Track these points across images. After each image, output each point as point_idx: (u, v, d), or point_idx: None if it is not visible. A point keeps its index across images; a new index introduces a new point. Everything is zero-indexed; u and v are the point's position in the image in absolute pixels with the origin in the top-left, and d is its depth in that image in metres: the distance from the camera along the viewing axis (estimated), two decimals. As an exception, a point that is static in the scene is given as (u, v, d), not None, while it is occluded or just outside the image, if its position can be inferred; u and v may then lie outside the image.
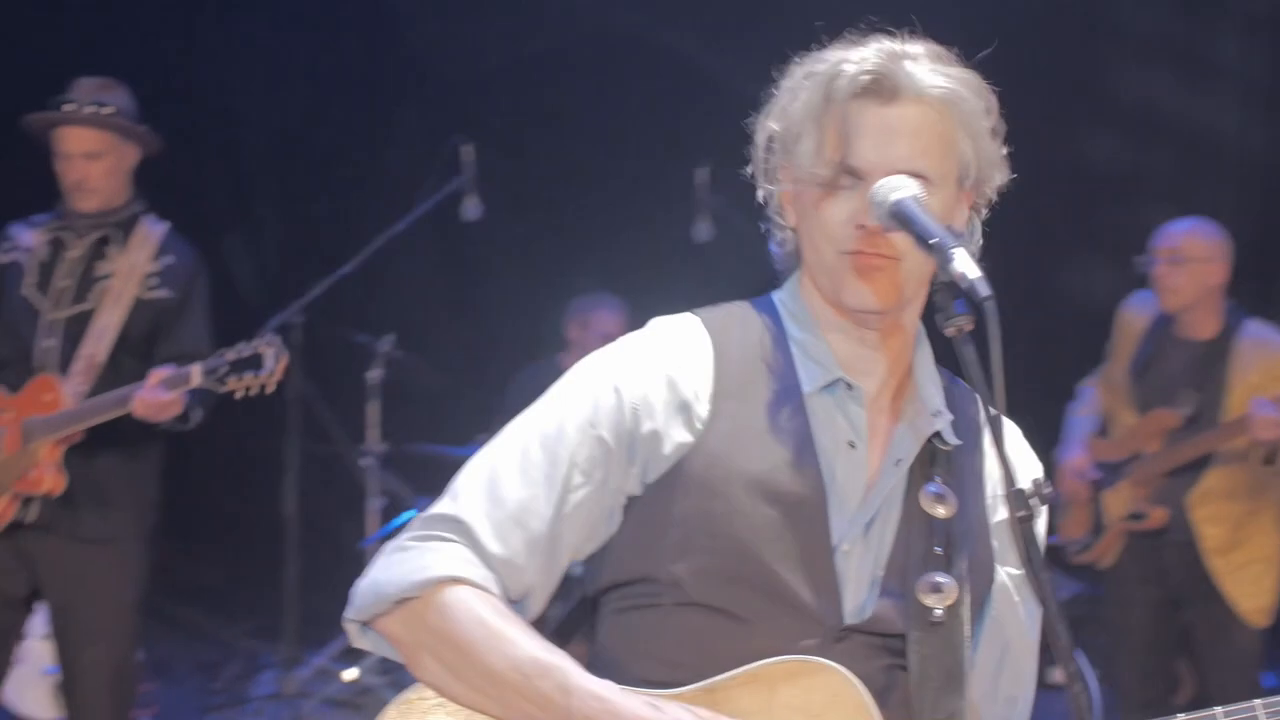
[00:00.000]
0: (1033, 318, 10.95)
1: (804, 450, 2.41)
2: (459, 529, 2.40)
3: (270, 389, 4.92)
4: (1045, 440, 6.06)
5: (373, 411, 7.82)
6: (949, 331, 2.16)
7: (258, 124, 10.13)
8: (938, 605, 2.40)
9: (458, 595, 2.34)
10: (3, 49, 9.19)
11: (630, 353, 2.51)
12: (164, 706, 7.73)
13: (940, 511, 2.44)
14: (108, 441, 5.12)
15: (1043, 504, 2.20)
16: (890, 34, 2.43)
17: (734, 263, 8.30)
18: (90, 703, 5.16)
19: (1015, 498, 2.16)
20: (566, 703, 2.26)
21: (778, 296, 2.57)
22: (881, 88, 2.34)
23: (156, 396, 4.87)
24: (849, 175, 2.35)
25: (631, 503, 2.45)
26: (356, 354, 7.83)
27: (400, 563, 2.40)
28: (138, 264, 5.24)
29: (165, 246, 5.33)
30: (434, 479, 7.71)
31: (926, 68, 2.37)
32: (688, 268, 8.81)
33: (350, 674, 7.88)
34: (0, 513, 5.08)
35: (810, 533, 2.38)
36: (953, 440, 2.48)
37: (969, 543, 2.46)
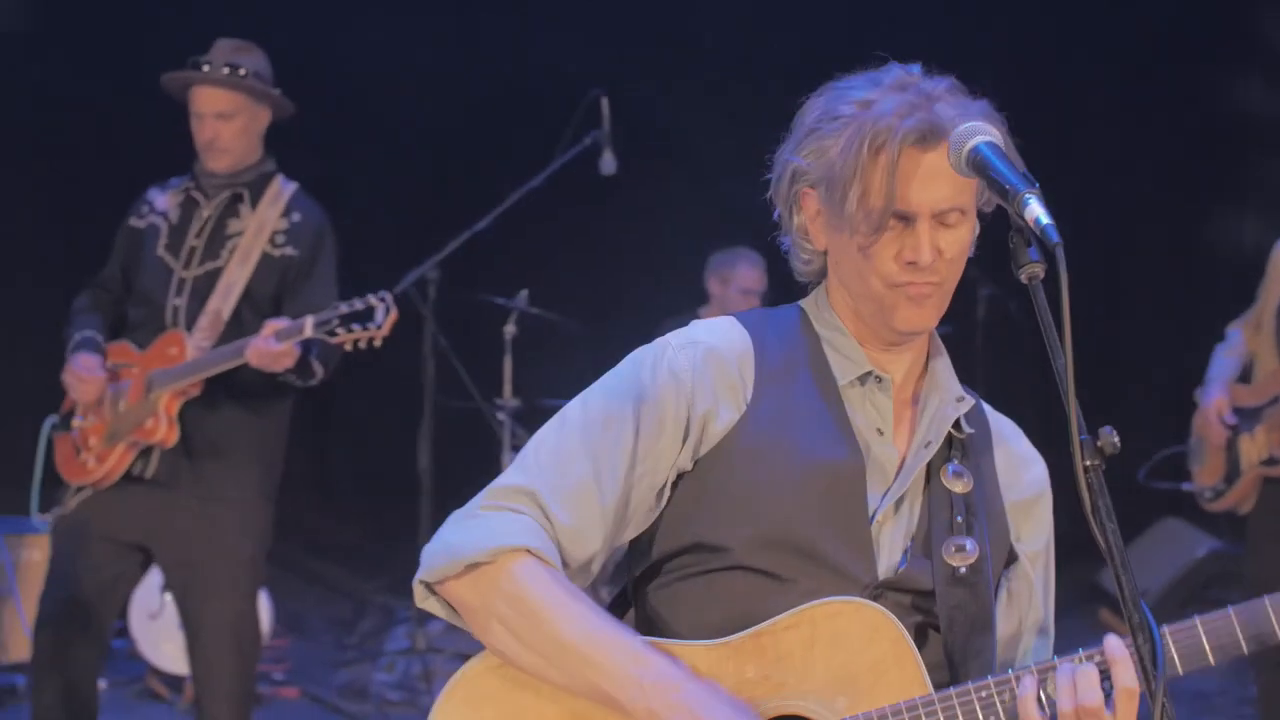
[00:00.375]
0: (1181, 264, 10.82)
1: (842, 432, 2.63)
2: (530, 500, 2.56)
3: (378, 343, 4.94)
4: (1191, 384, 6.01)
5: (507, 367, 7.88)
6: (1022, 278, 2.22)
7: (393, 82, 10.20)
8: (962, 564, 2.61)
9: (529, 564, 2.48)
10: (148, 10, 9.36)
11: (681, 340, 2.69)
12: (297, 662, 7.85)
13: (959, 488, 2.67)
14: (231, 397, 5.18)
15: (1110, 454, 2.21)
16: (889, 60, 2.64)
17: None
18: (213, 657, 5.18)
19: (1085, 446, 2.20)
20: (639, 676, 2.40)
21: (805, 304, 2.78)
22: (924, 137, 2.50)
23: (270, 346, 4.91)
24: (896, 218, 2.53)
25: (681, 478, 2.63)
26: (491, 310, 7.87)
27: (472, 529, 2.53)
28: (266, 222, 5.29)
29: (293, 205, 5.37)
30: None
31: (952, 108, 2.53)
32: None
33: (481, 629, 7.93)
34: (117, 460, 5.13)
35: (849, 505, 2.59)
36: (967, 429, 2.73)
37: (986, 516, 2.70)
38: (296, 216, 5.36)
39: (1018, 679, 2.46)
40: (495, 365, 7.87)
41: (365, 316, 4.88)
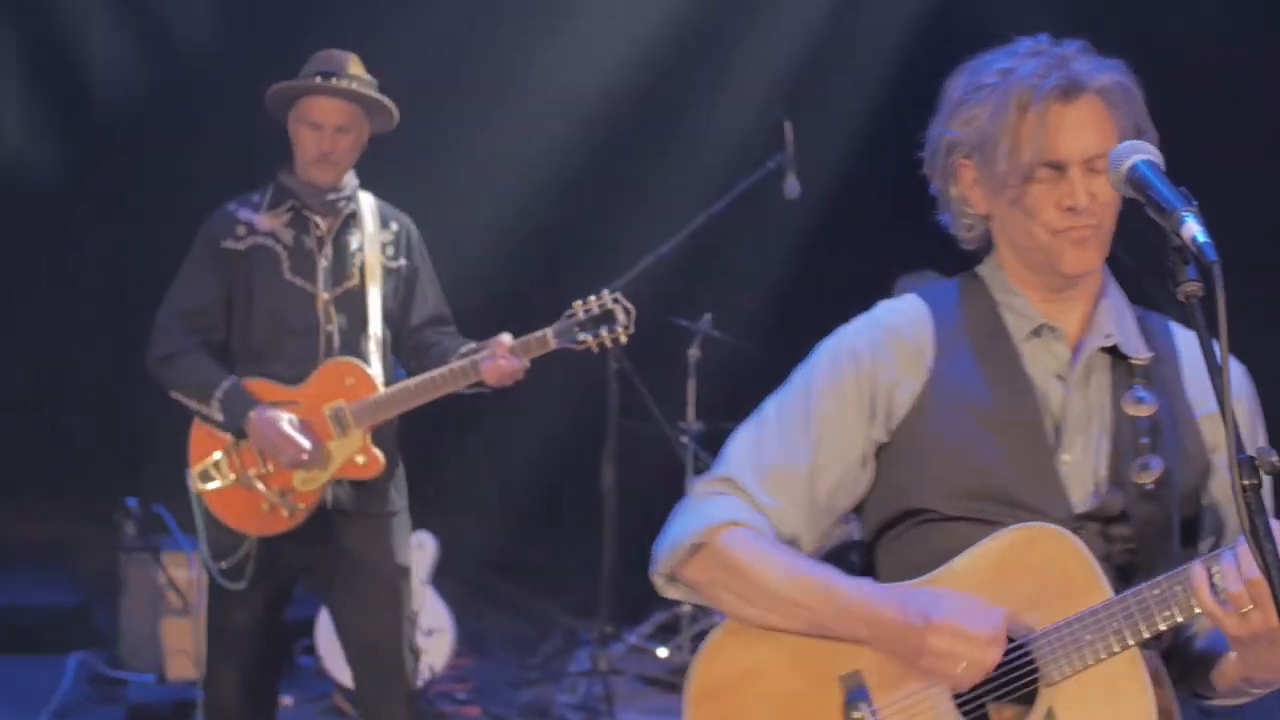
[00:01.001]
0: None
1: (1021, 383, 2.86)
2: (731, 485, 2.92)
3: (624, 341, 5.07)
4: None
5: (691, 390, 7.97)
6: (1180, 296, 2.32)
7: (580, 102, 10.31)
8: (1148, 480, 2.79)
9: (736, 533, 2.84)
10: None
11: (862, 324, 2.99)
12: (479, 681, 7.93)
13: (1143, 411, 2.83)
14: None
15: (1269, 474, 2.29)
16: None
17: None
18: (390, 671, 5.26)
19: (1243, 465, 2.28)
20: (833, 599, 2.76)
21: (980, 270, 3.00)
22: (1066, 91, 2.75)
23: (512, 364, 4.98)
24: (1047, 168, 2.75)
25: (882, 449, 2.91)
26: (675, 333, 7.95)
27: (687, 519, 2.92)
28: (373, 235, 5.29)
29: (386, 215, 5.36)
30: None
31: (1087, 64, 2.80)
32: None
33: (664, 652, 8.01)
34: (315, 500, 5.14)
35: (1036, 451, 2.82)
36: (1144, 353, 2.88)
37: (1174, 434, 2.86)
38: (394, 226, 5.34)
39: (1189, 571, 2.60)
40: (679, 388, 7.96)
41: (605, 319, 5.00)
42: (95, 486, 10.17)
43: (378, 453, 5.08)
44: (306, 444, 5.01)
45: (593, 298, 5.01)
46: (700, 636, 7.98)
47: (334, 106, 5.16)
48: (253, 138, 9.40)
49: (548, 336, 4.97)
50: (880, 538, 2.94)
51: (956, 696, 2.72)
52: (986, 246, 2.98)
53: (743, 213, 7.77)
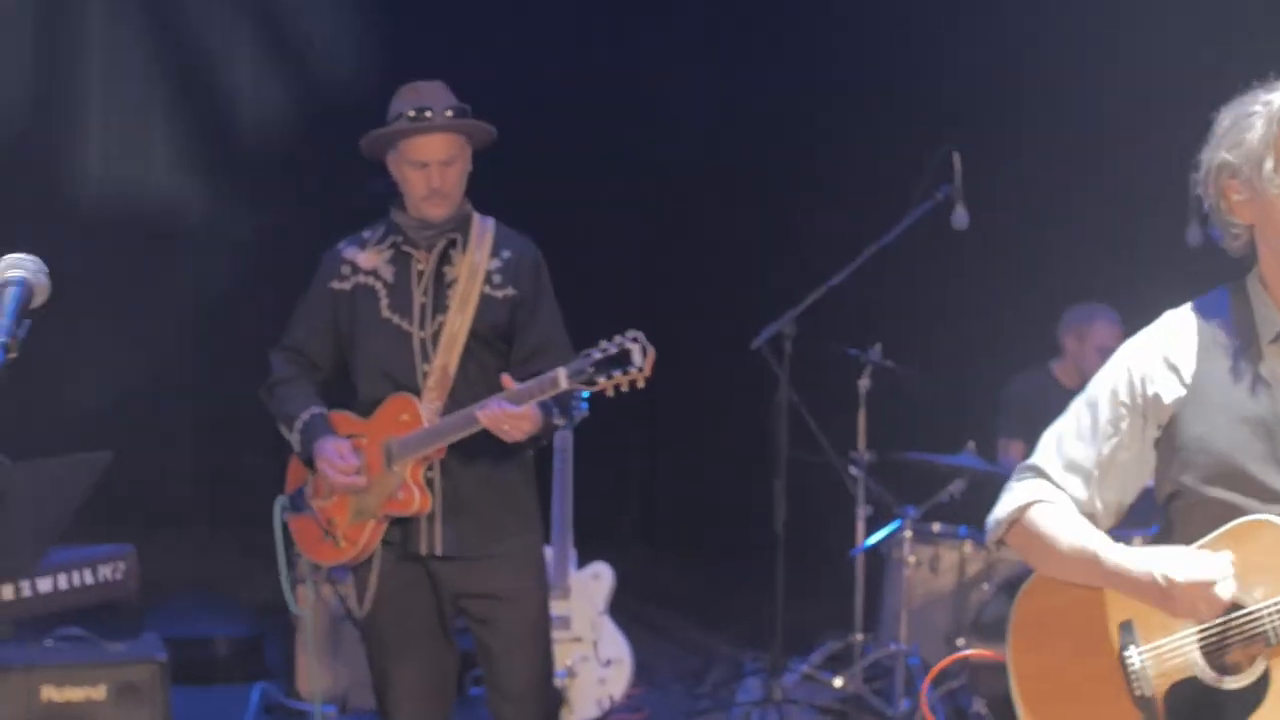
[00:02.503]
0: None
1: (1259, 384, 3.47)
2: (1036, 472, 3.70)
3: (640, 385, 4.81)
4: None
5: (861, 420, 8.11)
6: None
7: (741, 133, 10.46)
8: None
9: (1038, 510, 3.64)
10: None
11: (1141, 337, 3.68)
12: (653, 710, 8.04)
13: None
14: (478, 448, 5.17)
15: None
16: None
17: (1227, 265, 8.29)
18: (532, 709, 5.32)
19: None
20: (1101, 564, 3.49)
21: (1246, 278, 3.57)
22: None
23: (504, 411, 4.91)
24: None
25: (1157, 443, 3.57)
26: (844, 363, 8.07)
27: (1005, 500, 3.72)
28: (479, 263, 5.25)
29: (500, 241, 5.34)
30: (921, 488, 7.98)
31: None
32: (1179, 273, 8.78)
33: (839, 681, 8.13)
34: (369, 538, 5.18)
35: (1274, 442, 3.42)
36: None
37: None
38: (507, 253, 5.32)
39: None
40: (850, 419, 8.12)
41: (622, 360, 4.78)
42: (256, 517, 10.47)
43: (416, 491, 5.10)
44: (347, 464, 5.10)
45: (616, 337, 4.82)
46: (874, 666, 8.15)
47: (435, 142, 5.20)
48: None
49: (559, 377, 4.85)
50: (1166, 509, 3.58)
51: (1202, 645, 3.40)
52: (1253, 256, 3.53)
53: (913, 243, 7.85)
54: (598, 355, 4.81)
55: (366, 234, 5.40)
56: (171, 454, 10.76)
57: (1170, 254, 8.31)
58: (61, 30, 10.39)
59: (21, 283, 3.27)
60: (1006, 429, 8.52)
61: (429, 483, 5.15)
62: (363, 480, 5.12)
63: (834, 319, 7.77)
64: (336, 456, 5.11)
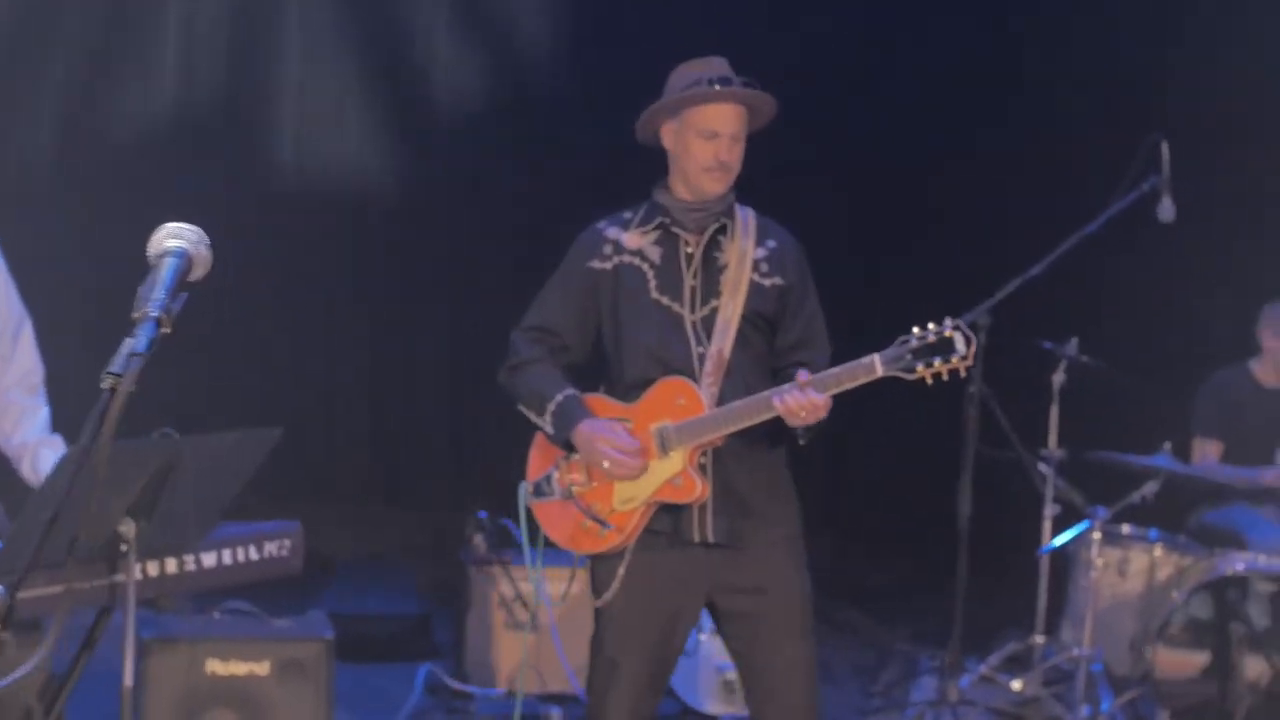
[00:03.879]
0: None
1: None
2: None
3: (964, 374, 4.74)
4: None
5: (1054, 416, 7.94)
6: None
7: (943, 119, 10.35)
8: None
9: None
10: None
11: None
12: (825, 708, 7.98)
13: None
14: (751, 435, 5.01)
15: None
16: None
17: None
18: (796, 703, 5.15)
19: None
20: None
21: None
22: None
23: (804, 399, 4.76)
24: None
25: None
26: (1038, 357, 7.93)
27: None
28: (747, 250, 5.13)
29: (764, 230, 5.22)
30: (1112, 487, 7.82)
31: None
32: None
33: (1017, 684, 7.99)
34: (636, 524, 5.04)
35: None
36: None
37: None
38: (773, 243, 5.21)
39: None
40: (1041, 414, 7.96)
41: (943, 348, 4.68)
42: (431, 498, 10.49)
43: (697, 478, 4.95)
44: (629, 445, 4.98)
45: (931, 324, 4.72)
46: (1054, 670, 8.00)
47: (731, 113, 5.09)
48: (601, 152, 9.74)
49: (875, 363, 4.73)
50: None
51: None
52: None
53: (1116, 235, 7.68)
54: (915, 342, 4.71)
55: (627, 214, 5.28)
56: (347, 430, 10.83)
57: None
58: (257, 7, 10.48)
59: (181, 254, 3.19)
60: (1203, 428, 8.37)
61: (701, 469, 5.01)
62: (643, 464, 4.99)
63: (1030, 311, 7.63)
64: (616, 437, 4.99)
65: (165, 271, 3.13)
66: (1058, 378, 7.91)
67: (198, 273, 3.21)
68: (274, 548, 4.79)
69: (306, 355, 10.48)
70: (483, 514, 7.86)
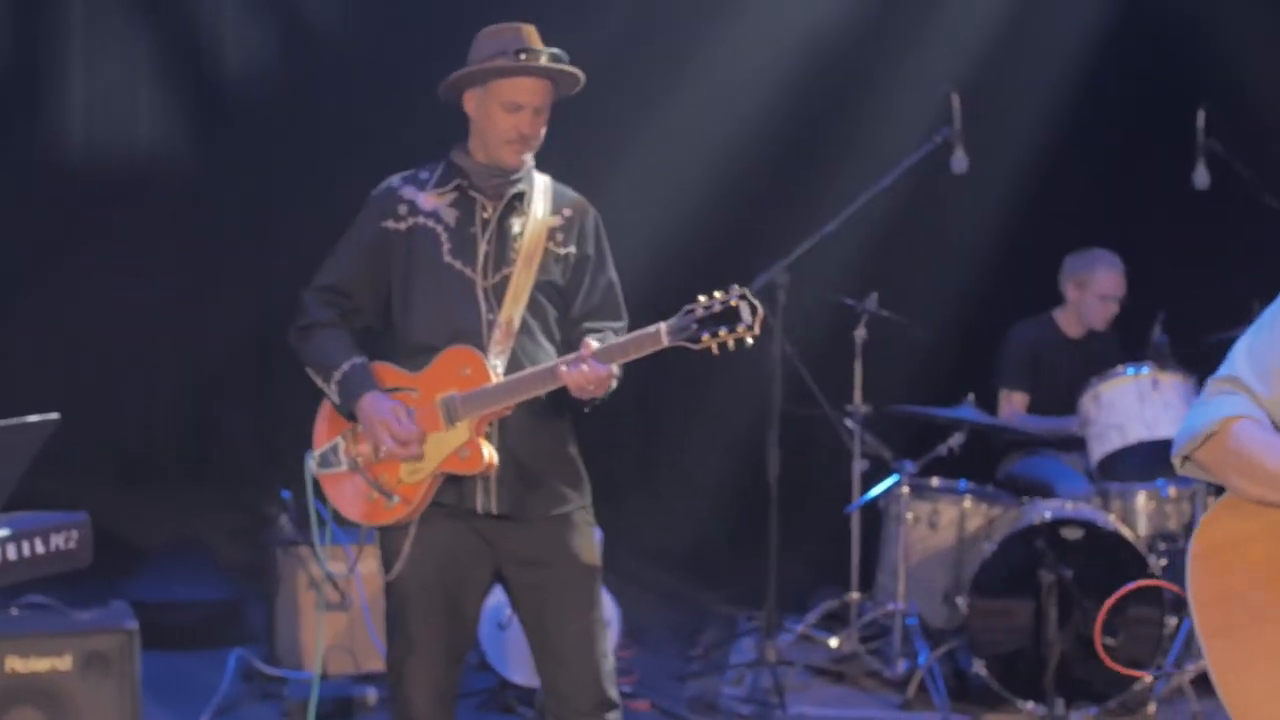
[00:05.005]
0: None
1: None
2: (1236, 384, 3.68)
3: (749, 343, 4.67)
4: None
5: (857, 372, 7.99)
6: None
7: (738, 81, 10.35)
8: None
9: (1242, 426, 3.62)
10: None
11: None
12: (643, 674, 7.97)
13: None
14: (540, 407, 5.02)
15: None
16: None
17: (1234, 210, 8.22)
18: (579, 675, 5.12)
19: None
20: None
21: None
22: None
23: (594, 371, 4.76)
24: None
25: None
26: (839, 313, 7.97)
27: (1201, 412, 3.70)
28: (541, 219, 5.12)
29: (559, 199, 5.21)
30: (918, 441, 7.89)
31: None
32: (1184, 217, 8.71)
33: (835, 641, 8.05)
34: (424, 495, 4.97)
35: None
36: None
37: None
38: (568, 211, 5.18)
39: None
40: (844, 370, 7.98)
41: (729, 318, 4.64)
42: (237, 479, 10.35)
43: (485, 448, 4.90)
44: (407, 433, 4.90)
45: (718, 293, 4.66)
46: (870, 626, 8.06)
47: (535, 87, 5.05)
48: (393, 119, 9.64)
49: (661, 332, 4.69)
50: None
51: None
52: None
53: (910, 189, 7.74)
54: (701, 311, 4.67)
55: (423, 174, 5.22)
56: (148, 412, 10.64)
57: (1176, 197, 8.23)
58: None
59: None
60: (1008, 379, 8.45)
61: (487, 439, 4.96)
62: (419, 450, 4.93)
63: (829, 268, 7.67)
64: (395, 422, 4.91)
65: None
66: (859, 333, 7.99)
67: None
68: (60, 540, 4.68)
69: (101, 336, 10.27)
70: (286, 493, 7.73)
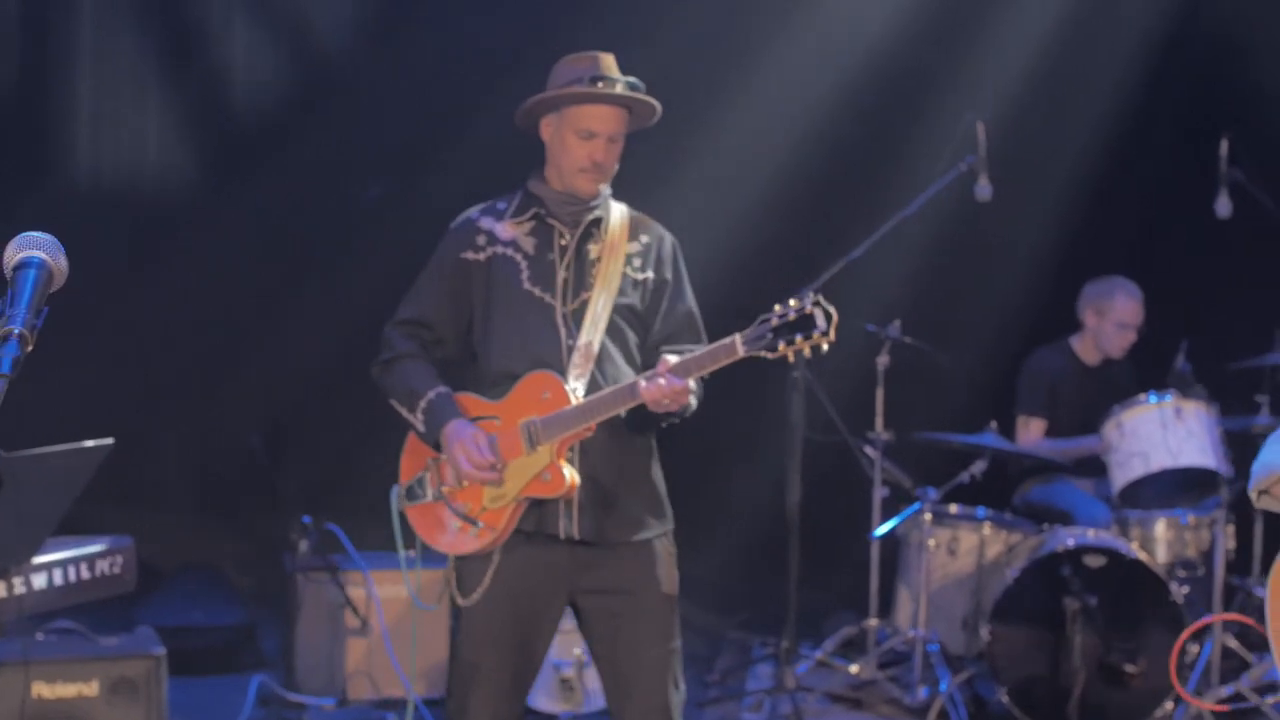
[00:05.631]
0: None
1: None
2: None
3: (825, 349, 4.71)
4: None
5: (879, 399, 8.00)
6: None
7: (765, 108, 10.36)
8: None
9: None
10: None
11: None
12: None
13: None
14: (621, 431, 5.05)
15: None
16: None
17: (1257, 238, 8.24)
18: (655, 705, 5.09)
19: None
20: None
21: None
22: None
23: (670, 385, 4.76)
24: None
25: None
26: (862, 340, 7.97)
27: (1277, 449, 3.87)
28: (619, 245, 5.15)
29: (637, 225, 5.24)
30: (939, 468, 7.89)
31: None
32: (1207, 245, 8.72)
33: (855, 668, 8.04)
34: (507, 523, 5.00)
35: None
36: None
37: None
38: (645, 238, 5.23)
39: None
40: (867, 397, 8.00)
41: (803, 325, 4.69)
42: (253, 504, 10.34)
43: (566, 471, 4.91)
44: (484, 459, 4.93)
45: (792, 301, 4.71)
46: (890, 653, 8.06)
47: (611, 115, 5.10)
48: (405, 142, 9.65)
49: (736, 344, 4.72)
50: None
51: None
52: None
53: (935, 217, 7.75)
54: (776, 320, 4.71)
55: (501, 204, 5.25)
56: (161, 438, 10.63)
57: (1197, 227, 8.25)
58: (51, 8, 10.24)
59: (40, 264, 2.97)
60: (1026, 406, 8.47)
61: (570, 464, 4.98)
62: (497, 475, 4.97)
63: (853, 294, 7.66)
64: (474, 448, 4.95)
65: (24, 285, 2.92)
66: (882, 360, 8.01)
67: (57, 284, 3.02)
68: (106, 565, 4.69)
69: (116, 361, 10.26)
70: (306, 519, 7.74)
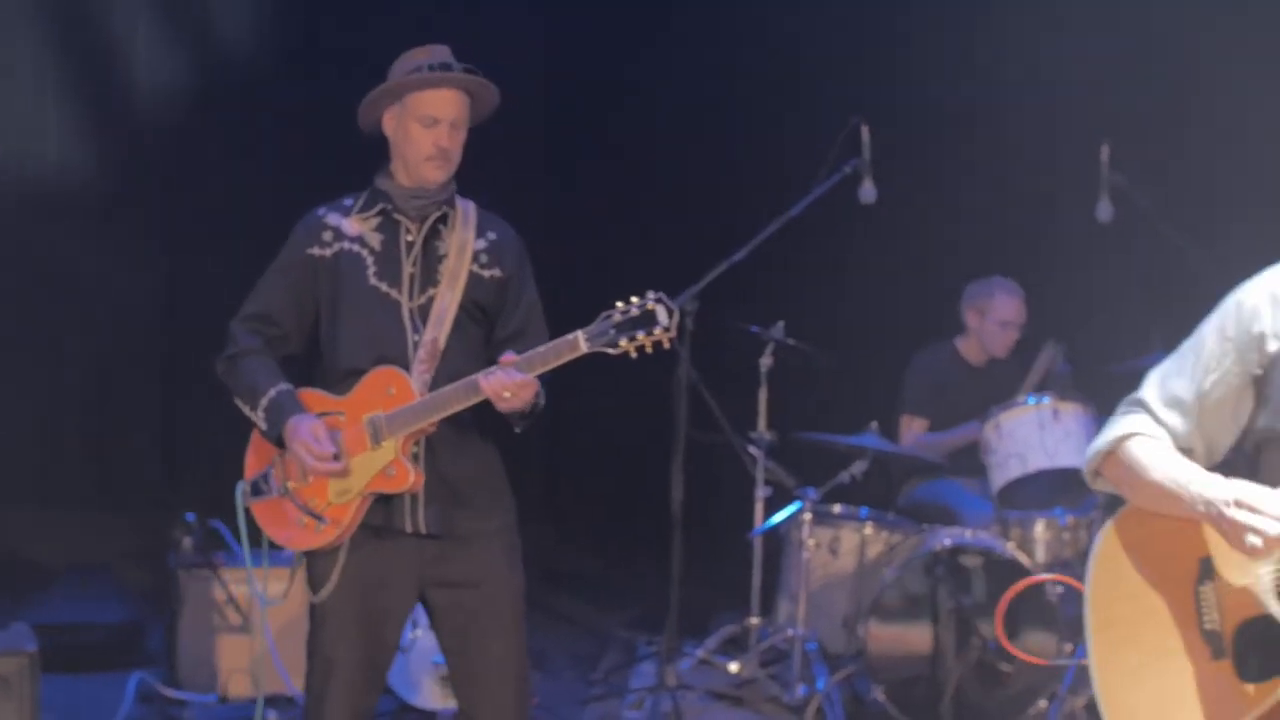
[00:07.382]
0: None
1: None
2: (1140, 405, 4.03)
3: (666, 345, 4.74)
4: None
5: (762, 399, 8.03)
6: None
7: (652, 110, 10.38)
8: None
9: (1136, 443, 3.97)
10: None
11: (1251, 282, 3.92)
12: (545, 698, 7.96)
13: None
14: (469, 427, 5.08)
15: None
16: None
17: (1137, 242, 8.31)
18: (501, 701, 5.12)
19: None
20: (1190, 494, 3.79)
21: None
22: None
23: (508, 379, 4.78)
24: None
25: (1256, 381, 3.89)
26: (745, 341, 7.99)
27: (1108, 430, 4.04)
28: (466, 241, 5.15)
29: (484, 222, 5.24)
30: (822, 469, 7.93)
31: None
32: (1088, 250, 8.78)
33: (735, 666, 8.07)
34: (353, 517, 4.98)
35: None
36: None
37: None
38: (492, 235, 5.23)
39: None
40: (750, 397, 8.03)
41: (645, 321, 4.70)
42: (142, 501, 10.27)
43: (409, 466, 4.93)
44: (325, 450, 4.92)
45: (634, 298, 4.74)
46: (770, 651, 8.08)
47: (453, 99, 5.10)
48: (304, 143, 9.61)
49: (579, 339, 4.73)
50: (1259, 456, 3.91)
51: (1278, 585, 3.69)
52: None
53: (818, 219, 7.78)
54: (619, 316, 4.73)
55: (348, 201, 5.25)
56: (50, 433, 10.53)
57: (1080, 230, 8.30)
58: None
59: None
60: (911, 406, 8.54)
61: (414, 459, 5.00)
62: (340, 466, 4.95)
63: (736, 295, 7.69)
64: (313, 441, 4.94)
65: None
66: (765, 361, 8.04)
67: None
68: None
69: (4, 360, 10.16)
70: (190, 516, 7.70)
